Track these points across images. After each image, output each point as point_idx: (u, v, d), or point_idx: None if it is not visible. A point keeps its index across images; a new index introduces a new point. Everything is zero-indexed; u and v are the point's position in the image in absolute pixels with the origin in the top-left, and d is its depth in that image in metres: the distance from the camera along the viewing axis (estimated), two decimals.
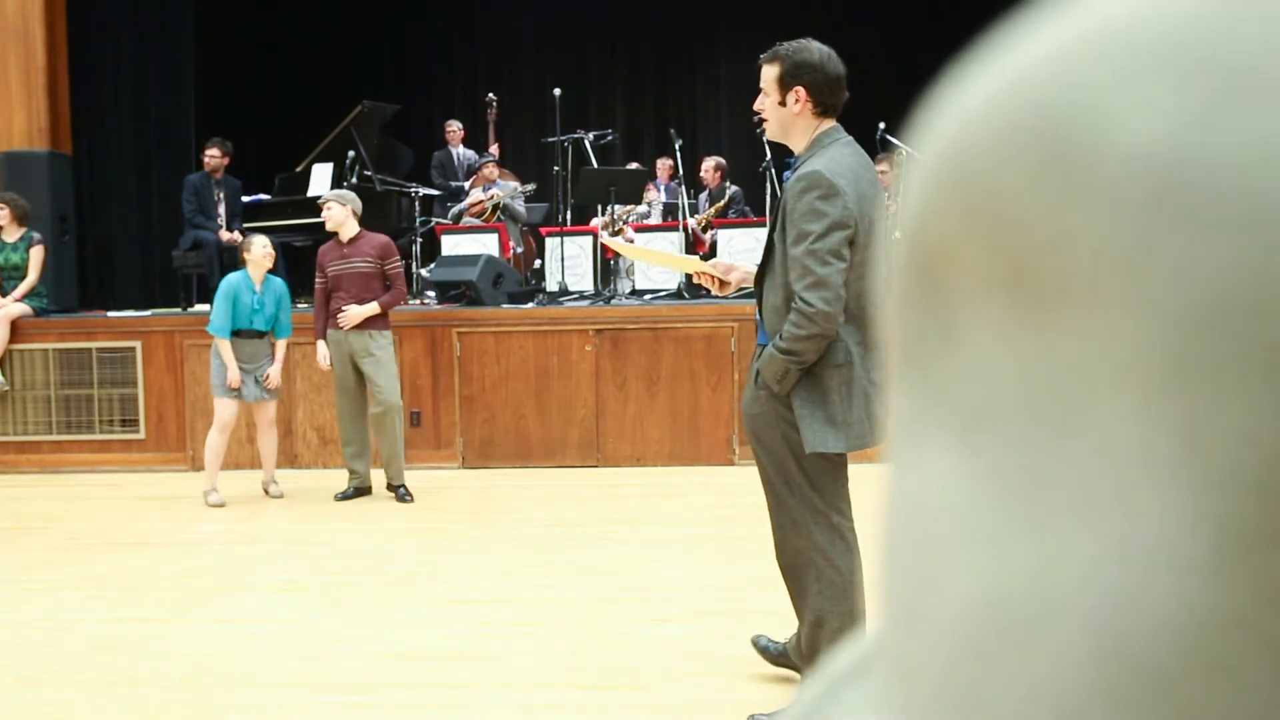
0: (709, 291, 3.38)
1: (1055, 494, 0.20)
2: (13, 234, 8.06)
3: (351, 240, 6.56)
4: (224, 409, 6.60)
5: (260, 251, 6.59)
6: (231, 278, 6.61)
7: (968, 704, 0.21)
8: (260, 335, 6.62)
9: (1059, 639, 0.20)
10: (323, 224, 6.81)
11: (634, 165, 10.62)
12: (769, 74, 3.10)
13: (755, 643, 3.70)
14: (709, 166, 9.92)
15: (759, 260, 3.21)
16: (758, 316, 3.21)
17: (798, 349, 2.96)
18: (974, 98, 0.22)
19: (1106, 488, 0.20)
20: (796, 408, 3.03)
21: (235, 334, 6.54)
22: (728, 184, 9.87)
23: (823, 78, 3.05)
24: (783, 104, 3.08)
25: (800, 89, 3.04)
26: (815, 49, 3.08)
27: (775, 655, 3.62)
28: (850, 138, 3.12)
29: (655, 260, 3.99)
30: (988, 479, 0.22)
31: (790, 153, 3.24)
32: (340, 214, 6.55)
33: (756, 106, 3.17)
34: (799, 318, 2.94)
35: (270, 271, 6.67)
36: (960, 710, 0.21)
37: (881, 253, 3.03)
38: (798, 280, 2.95)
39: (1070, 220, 0.20)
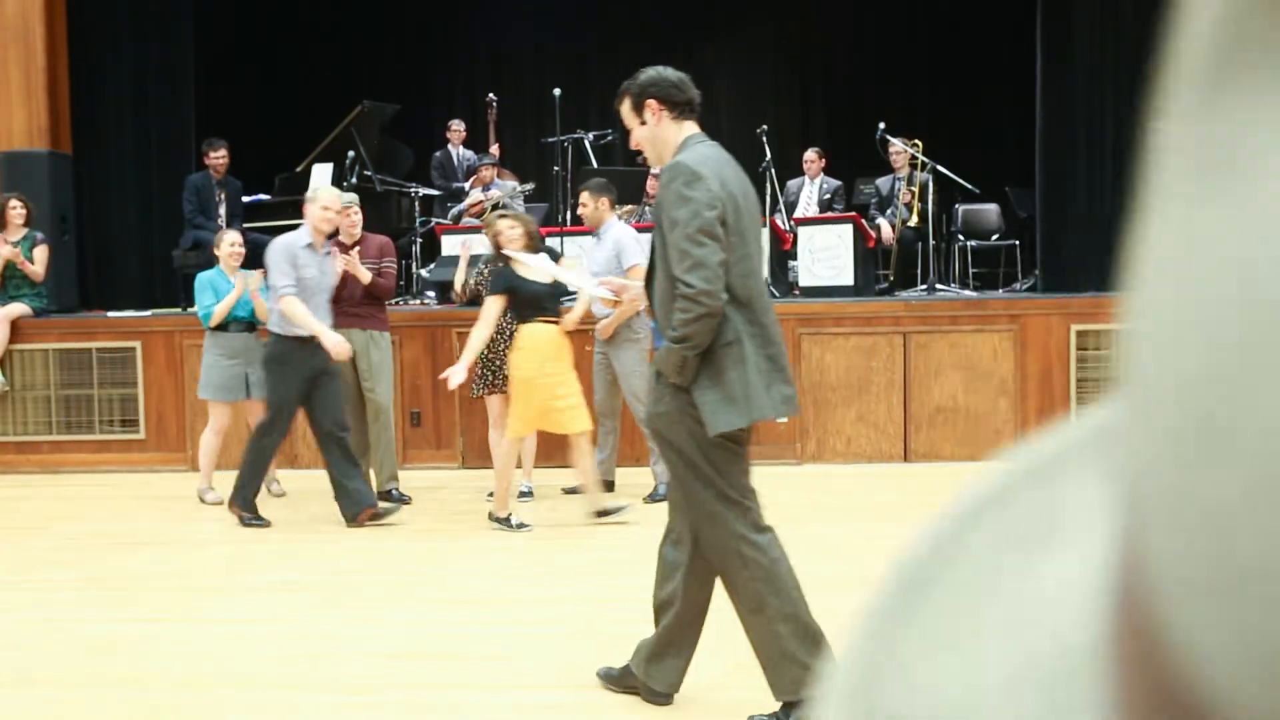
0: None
1: None
2: (16, 234, 8.05)
3: (355, 242, 6.59)
4: (216, 412, 6.62)
5: (227, 250, 6.61)
6: (202, 274, 6.68)
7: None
8: (248, 328, 6.57)
9: None
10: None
11: (634, 165, 10.59)
12: (624, 110, 3.34)
13: (598, 675, 3.59)
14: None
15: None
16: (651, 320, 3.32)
17: (689, 333, 3.05)
18: None
19: None
20: (696, 394, 3.10)
21: (222, 328, 6.53)
22: None
23: (664, 82, 3.27)
24: (643, 123, 3.28)
25: (651, 101, 3.26)
26: (649, 69, 3.31)
27: (618, 679, 3.53)
28: (711, 140, 3.30)
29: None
30: None
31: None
32: (360, 217, 6.62)
33: (632, 145, 3.40)
34: (684, 303, 3.05)
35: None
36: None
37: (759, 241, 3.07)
38: (677, 265, 3.06)
39: None
